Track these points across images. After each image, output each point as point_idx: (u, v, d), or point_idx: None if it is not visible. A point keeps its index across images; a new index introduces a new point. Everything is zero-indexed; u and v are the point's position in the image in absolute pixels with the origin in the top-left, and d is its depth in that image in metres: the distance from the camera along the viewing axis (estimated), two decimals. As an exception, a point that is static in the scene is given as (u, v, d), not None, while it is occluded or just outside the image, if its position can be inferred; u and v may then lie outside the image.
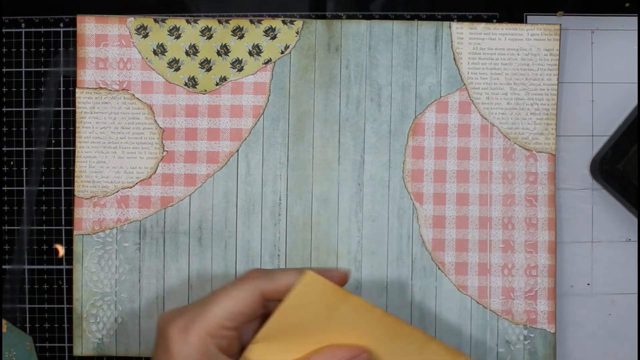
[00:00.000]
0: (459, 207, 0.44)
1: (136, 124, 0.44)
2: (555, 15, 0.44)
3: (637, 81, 0.44)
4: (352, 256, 0.44)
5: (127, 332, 0.44)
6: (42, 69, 0.45)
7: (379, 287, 0.44)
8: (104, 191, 0.44)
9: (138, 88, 0.44)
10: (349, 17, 0.45)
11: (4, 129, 0.45)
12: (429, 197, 0.44)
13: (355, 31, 0.44)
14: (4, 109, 0.45)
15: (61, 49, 0.45)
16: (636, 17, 0.44)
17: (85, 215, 0.44)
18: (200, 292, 0.44)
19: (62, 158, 0.45)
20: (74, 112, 0.44)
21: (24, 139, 0.45)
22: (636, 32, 0.44)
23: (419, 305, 0.44)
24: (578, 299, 0.44)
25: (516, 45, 0.44)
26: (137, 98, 0.44)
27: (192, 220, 0.44)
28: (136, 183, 0.44)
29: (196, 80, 0.44)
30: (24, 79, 0.45)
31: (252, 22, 0.44)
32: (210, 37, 0.44)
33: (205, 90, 0.44)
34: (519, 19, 0.45)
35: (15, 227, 0.45)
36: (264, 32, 0.44)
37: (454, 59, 0.44)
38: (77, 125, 0.44)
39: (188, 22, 0.44)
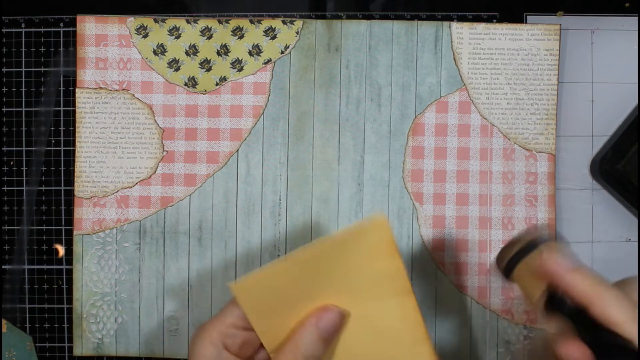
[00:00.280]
0: (459, 207, 0.44)
1: (136, 124, 0.44)
2: (555, 15, 0.44)
3: (637, 81, 0.44)
4: (352, 256, 0.44)
5: (127, 332, 0.44)
6: (42, 69, 0.45)
7: (379, 287, 0.44)
8: (104, 191, 0.44)
9: (138, 88, 0.44)
10: (349, 17, 0.45)
11: (4, 129, 0.45)
12: (429, 197, 0.44)
13: (355, 31, 0.44)
14: (4, 109, 0.45)
15: (61, 49, 0.45)
16: (636, 17, 0.44)
17: (85, 215, 0.44)
18: (200, 292, 0.44)
19: (62, 158, 0.45)
20: (74, 112, 0.44)
21: (24, 139, 0.45)
22: (636, 32, 0.44)
23: (418, 305, 0.44)
24: (578, 299, 0.44)
25: (516, 45, 0.44)
26: (137, 98, 0.44)
27: (192, 220, 0.44)
28: (136, 183, 0.44)
29: (196, 80, 0.44)
30: (24, 79, 0.45)
31: (252, 22, 0.44)
32: (210, 37, 0.44)
33: (205, 90, 0.44)
34: (519, 19, 0.45)
35: (15, 227, 0.45)
36: (264, 32, 0.44)
37: (454, 59, 0.44)
38: (77, 125, 0.44)
39: (188, 22, 0.44)
